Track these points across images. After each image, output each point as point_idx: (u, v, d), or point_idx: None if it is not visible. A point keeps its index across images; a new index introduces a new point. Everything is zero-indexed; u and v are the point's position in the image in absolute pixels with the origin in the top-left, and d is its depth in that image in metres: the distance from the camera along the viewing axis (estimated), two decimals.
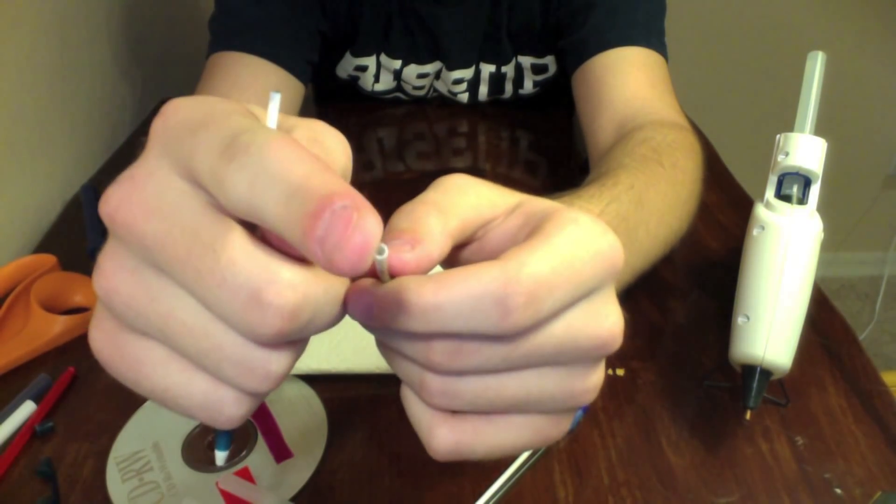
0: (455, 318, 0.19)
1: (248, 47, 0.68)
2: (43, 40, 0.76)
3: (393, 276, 0.21)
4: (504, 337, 0.20)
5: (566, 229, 0.21)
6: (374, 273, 0.21)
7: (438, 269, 0.24)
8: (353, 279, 0.21)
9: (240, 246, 0.18)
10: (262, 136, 0.17)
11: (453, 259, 0.26)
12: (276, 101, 0.21)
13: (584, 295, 0.21)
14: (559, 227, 0.21)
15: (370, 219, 0.16)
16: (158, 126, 0.19)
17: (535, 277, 0.20)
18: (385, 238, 0.22)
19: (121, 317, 0.20)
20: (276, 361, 0.20)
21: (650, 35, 0.70)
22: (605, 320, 0.22)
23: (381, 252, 0.19)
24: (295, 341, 0.20)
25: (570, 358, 0.22)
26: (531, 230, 0.22)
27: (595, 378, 0.23)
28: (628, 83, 0.67)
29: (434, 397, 0.22)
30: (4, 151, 0.69)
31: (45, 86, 0.76)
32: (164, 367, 0.20)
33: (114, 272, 0.19)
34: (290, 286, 0.18)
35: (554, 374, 0.22)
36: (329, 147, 0.22)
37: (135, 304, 0.19)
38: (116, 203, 0.18)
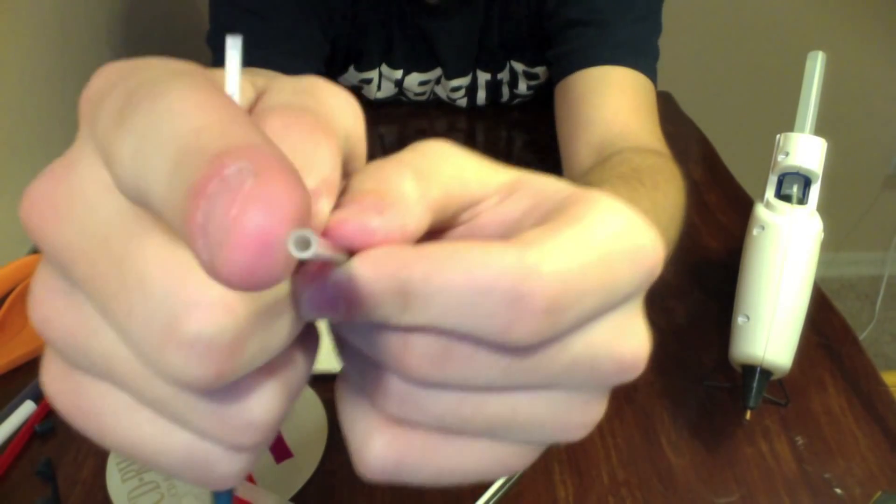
0: (448, 314, 0.14)
1: (253, 62, 0.67)
2: (43, 40, 0.76)
3: (356, 252, 0.15)
4: (507, 348, 0.15)
5: (602, 216, 0.16)
6: (319, 288, 0.15)
7: None
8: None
9: (155, 255, 0.13)
10: (163, 85, 0.13)
11: None
12: (235, 47, 0.15)
13: (616, 305, 0.16)
14: (594, 212, 0.16)
15: (277, 185, 0.10)
16: (82, 100, 0.15)
17: (562, 276, 0.14)
18: (343, 201, 0.15)
19: (62, 355, 0.15)
20: (255, 405, 0.15)
21: (638, 56, 0.68)
22: (632, 339, 0.17)
23: (304, 245, 0.11)
24: (276, 369, 0.15)
25: (580, 383, 0.17)
26: (545, 215, 0.17)
27: (598, 411, 0.18)
28: (609, 104, 0.64)
29: (389, 403, 0.16)
30: (4, 151, 0.69)
31: (45, 86, 0.76)
32: (129, 418, 0.15)
33: (45, 298, 0.15)
34: (220, 306, 0.13)
35: (552, 400, 0.17)
36: (323, 98, 0.17)
37: (72, 339, 0.15)
38: (30, 204, 0.14)
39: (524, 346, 0.15)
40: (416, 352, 0.15)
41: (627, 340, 0.17)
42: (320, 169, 0.15)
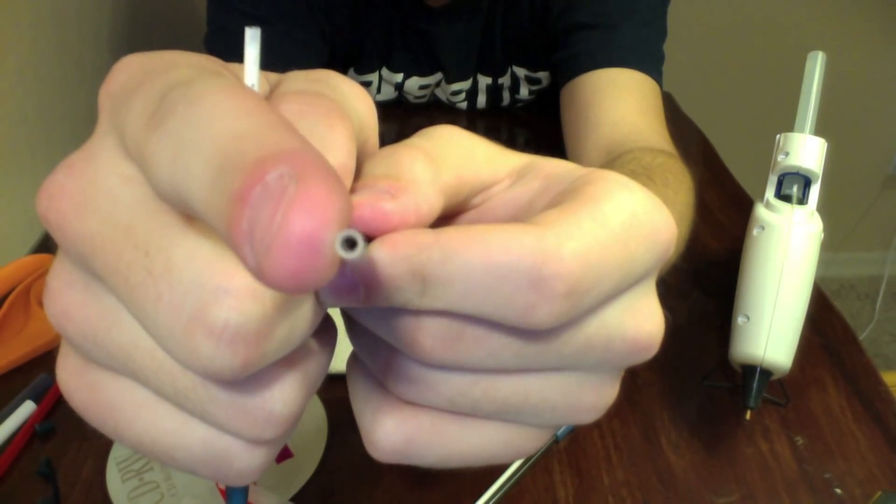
0: (466, 297, 0.14)
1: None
2: (43, 40, 0.76)
3: (370, 237, 0.15)
4: (524, 331, 0.15)
5: (617, 195, 0.16)
6: (349, 284, 0.14)
7: None
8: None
9: (182, 243, 0.13)
10: (199, 88, 0.12)
11: None
12: (254, 39, 0.15)
13: (631, 285, 0.16)
14: (609, 191, 0.16)
15: (319, 189, 0.10)
16: (102, 93, 0.15)
17: (583, 258, 0.14)
18: (356, 186, 0.16)
19: (80, 349, 0.15)
20: (276, 397, 0.15)
21: (644, 59, 0.68)
22: (646, 320, 0.17)
23: (350, 245, 0.11)
24: (296, 361, 0.15)
25: (594, 364, 0.17)
26: (559, 195, 0.17)
27: (611, 393, 0.18)
28: (618, 106, 0.65)
29: (400, 385, 0.16)
30: (5, 151, 0.69)
31: (45, 86, 0.76)
32: (148, 412, 0.15)
33: (62, 291, 0.15)
34: (248, 293, 0.13)
35: (564, 382, 0.17)
36: (337, 86, 0.17)
37: (91, 332, 0.15)
38: (48, 197, 0.14)
39: (542, 329, 0.15)
40: (429, 333, 0.15)
41: (642, 321, 0.17)
42: (335, 154, 0.15)
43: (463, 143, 0.18)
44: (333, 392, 0.50)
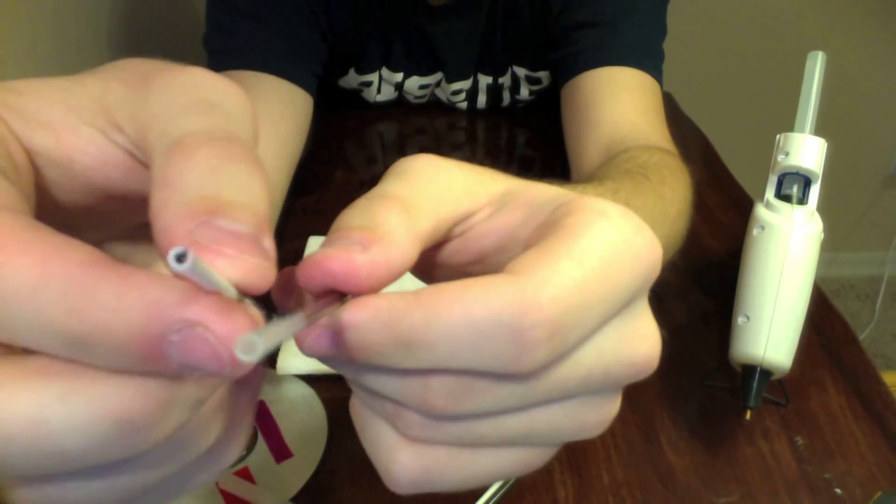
0: (450, 356, 0.15)
1: (253, 65, 0.66)
2: (43, 40, 0.76)
3: (344, 291, 0.15)
4: (517, 376, 0.16)
5: (595, 227, 0.16)
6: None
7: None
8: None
9: None
10: None
11: (427, 263, 0.20)
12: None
13: (620, 310, 0.17)
14: (586, 224, 0.16)
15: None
16: None
17: (561, 301, 0.15)
18: (330, 238, 0.16)
19: None
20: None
21: (644, 58, 0.68)
22: (643, 341, 0.17)
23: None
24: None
25: (595, 390, 0.17)
26: (541, 227, 0.17)
27: (613, 408, 0.18)
28: (617, 105, 0.65)
29: (411, 429, 0.17)
30: None
31: None
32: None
33: None
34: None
35: (567, 407, 0.17)
36: (229, 112, 0.16)
37: None
38: None
39: (532, 372, 0.15)
40: (439, 392, 0.15)
41: (637, 342, 0.17)
42: (259, 205, 0.15)
43: (439, 178, 0.18)
44: (333, 392, 0.50)
